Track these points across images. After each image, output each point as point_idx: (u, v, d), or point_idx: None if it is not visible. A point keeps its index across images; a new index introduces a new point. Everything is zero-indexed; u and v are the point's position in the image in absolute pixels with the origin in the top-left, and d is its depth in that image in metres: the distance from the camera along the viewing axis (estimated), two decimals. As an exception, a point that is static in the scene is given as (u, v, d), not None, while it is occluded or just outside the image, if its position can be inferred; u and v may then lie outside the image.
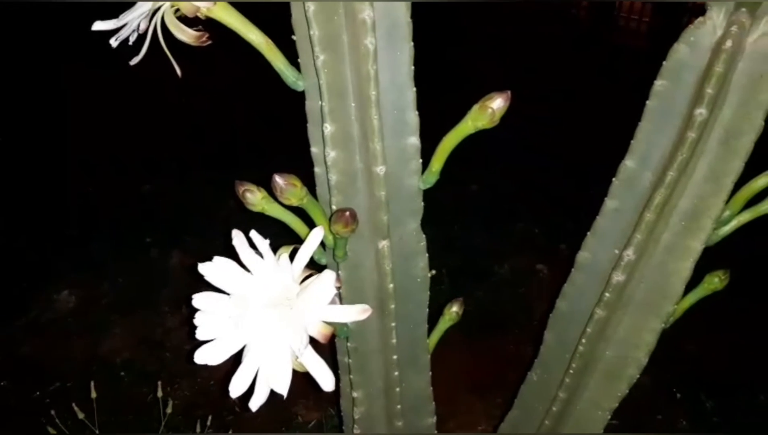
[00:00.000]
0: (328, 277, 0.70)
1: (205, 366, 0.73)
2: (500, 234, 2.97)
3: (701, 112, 0.78)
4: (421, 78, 0.80)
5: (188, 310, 0.73)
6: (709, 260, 0.94)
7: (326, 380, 0.72)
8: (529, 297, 2.60)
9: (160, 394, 1.66)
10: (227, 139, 3.68)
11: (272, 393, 0.72)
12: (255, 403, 0.72)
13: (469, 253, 2.82)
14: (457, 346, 2.40)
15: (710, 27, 0.79)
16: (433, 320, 1.05)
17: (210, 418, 1.84)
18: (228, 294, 0.74)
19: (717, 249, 0.90)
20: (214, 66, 3.49)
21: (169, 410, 1.68)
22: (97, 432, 1.60)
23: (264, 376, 0.73)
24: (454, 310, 1.07)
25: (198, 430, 1.77)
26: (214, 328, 0.75)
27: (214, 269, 0.74)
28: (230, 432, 1.82)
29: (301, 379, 0.74)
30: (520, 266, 2.79)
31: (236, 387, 0.73)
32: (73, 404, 1.61)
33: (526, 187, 3.34)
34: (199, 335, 0.75)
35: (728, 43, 0.76)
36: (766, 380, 2.29)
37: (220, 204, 2.74)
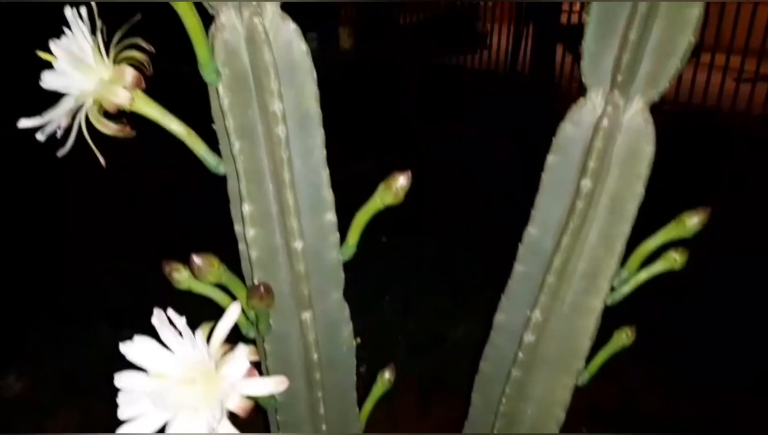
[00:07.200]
0: (240, 351, 0.73)
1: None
2: (455, 298, 3.02)
3: (586, 183, 0.86)
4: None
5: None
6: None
7: (243, 453, 0.74)
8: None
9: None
10: (176, 218, 3.68)
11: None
12: (174, 479, 0.74)
13: (426, 318, 2.86)
14: (415, 412, 2.40)
15: (591, 106, 0.88)
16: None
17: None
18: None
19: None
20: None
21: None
22: None
23: (183, 452, 0.74)
24: (386, 377, 1.11)
25: None
26: (136, 406, 0.77)
27: (135, 348, 0.77)
28: None
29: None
30: (476, 330, 2.83)
31: (156, 463, 0.74)
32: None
33: (479, 250, 3.43)
34: (121, 414, 0.77)
35: (605, 122, 0.86)
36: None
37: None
